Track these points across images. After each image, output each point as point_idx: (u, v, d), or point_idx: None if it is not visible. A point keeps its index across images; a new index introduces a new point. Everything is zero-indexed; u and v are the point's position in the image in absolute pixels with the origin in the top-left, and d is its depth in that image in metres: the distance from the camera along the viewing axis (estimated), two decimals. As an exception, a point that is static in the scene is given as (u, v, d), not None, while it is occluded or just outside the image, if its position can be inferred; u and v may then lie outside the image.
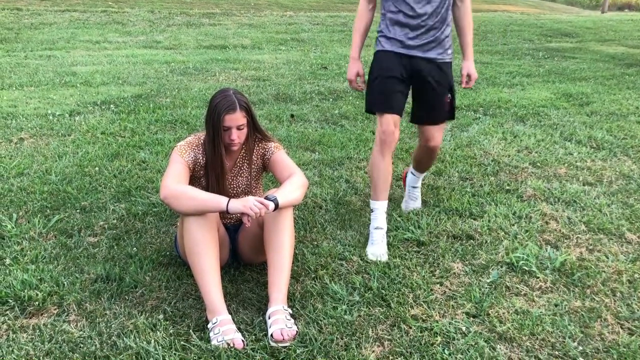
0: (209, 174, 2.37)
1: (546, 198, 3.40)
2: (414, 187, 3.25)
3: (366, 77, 2.89)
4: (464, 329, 2.14)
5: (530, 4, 25.16)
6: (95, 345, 2.01)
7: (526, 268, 2.57)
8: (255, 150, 2.47)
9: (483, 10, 21.57)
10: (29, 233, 2.85)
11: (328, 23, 14.50)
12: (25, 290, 2.30)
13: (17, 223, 2.96)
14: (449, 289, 2.41)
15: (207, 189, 2.35)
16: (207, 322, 2.12)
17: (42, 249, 2.69)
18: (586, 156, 4.19)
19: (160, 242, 2.81)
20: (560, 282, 2.48)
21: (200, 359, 1.94)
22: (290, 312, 2.15)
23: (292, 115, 5.32)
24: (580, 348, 2.05)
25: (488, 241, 2.84)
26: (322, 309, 2.23)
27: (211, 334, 2.04)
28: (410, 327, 2.14)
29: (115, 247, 2.75)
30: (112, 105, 5.54)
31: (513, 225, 3.03)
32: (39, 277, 2.41)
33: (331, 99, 6.13)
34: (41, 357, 1.95)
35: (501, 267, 2.60)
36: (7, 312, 2.20)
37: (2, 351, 1.97)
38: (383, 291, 2.38)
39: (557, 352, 2.02)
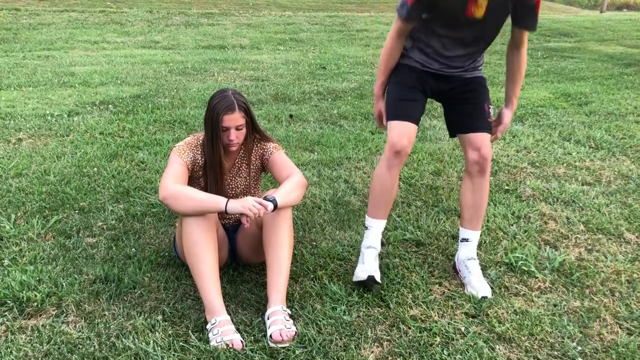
0: (208, 174, 2.37)
1: (545, 198, 3.40)
2: (470, 260, 2.48)
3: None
4: (463, 329, 2.14)
5: (529, 3, 25.09)
6: (94, 346, 2.01)
7: (525, 268, 2.57)
8: (254, 151, 2.47)
9: (482, 10, 21.44)
10: (27, 234, 2.84)
11: (327, 23, 14.49)
12: (24, 291, 2.29)
13: (16, 224, 2.95)
14: (448, 289, 2.41)
15: (205, 189, 2.35)
16: (206, 322, 2.12)
17: (41, 249, 2.69)
18: (585, 156, 4.19)
19: (159, 243, 2.80)
20: (559, 282, 2.48)
21: (199, 359, 1.94)
22: (289, 312, 2.15)
23: (290, 116, 5.32)
24: (579, 348, 2.05)
25: (487, 241, 2.84)
26: (321, 310, 2.23)
27: (210, 335, 2.04)
28: (409, 328, 2.14)
29: (114, 248, 2.74)
30: (110, 106, 5.53)
31: (512, 225, 3.03)
32: (37, 278, 2.41)
33: (330, 99, 6.13)
34: (40, 358, 1.95)
35: (500, 267, 2.60)
36: (6, 313, 2.20)
37: (0, 352, 1.97)
38: (382, 291, 2.37)
39: (556, 352, 2.02)
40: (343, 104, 5.82)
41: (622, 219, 3.12)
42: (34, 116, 5.06)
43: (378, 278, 2.36)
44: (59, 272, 2.49)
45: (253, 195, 2.53)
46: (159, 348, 1.99)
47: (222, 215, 2.45)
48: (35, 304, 2.24)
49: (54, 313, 2.21)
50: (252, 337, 2.07)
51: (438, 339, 2.07)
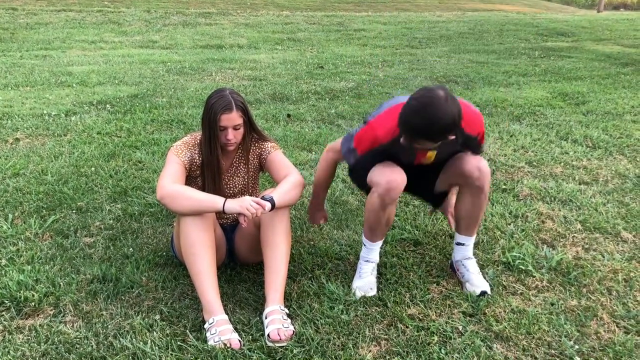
0: (205, 174, 2.37)
1: (542, 197, 3.41)
2: (467, 259, 2.48)
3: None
4: (460, 328, 2.14)
5: (526, 3, 25.21)
6: (92, 346, 2.01)
7: (522, 267, 2.57)
8: (252, 150, 2.47)
9: (479, 9, 21.61)
10: (24, 234, 2.84)
11: (324, 23, 14.49)
12: (21, 291, 2.29)
13: (13, 224, 2.95)
14: (446, 289, 2.42)
15: (203, 189, 2.35)
16: (203, 322, 2.12)
17: (38, 249, 2.69)
18: (582, 155, 4.20)
19: (157, 243, 2.80)
20: (557, 281, 2.49)
21: (197, 359, 1.94)
22: (287, 312, 2.15)
23: (288, 115, 5.32)
24: (577, 347, 2.05)
25: (484, 240, 2.85)
26: (319, 309, 2.23)
27: (208, 334, 2.04)
28: (407, 327, 2.14)
29: (112, 248, 2.74)
30: (108, 105, 5.52)
31: (509, 224, 3.04)
32: (35, 278, 2.41)
33: (328, 99, 6.13)
34: (37, 358, 1.95)
35: (497, 266, 2.61)
36: (3, 313, 2.19)
37: (-2, 352, 1.97)
38: (380, 291, 2.38)
39: (553, 351, 2.03)
40: (341, 104, 5.82)
41: (619, 218, 3.12)
42: (32, 116, 5.05)
43: (374, 293, 2.36)
44: (56, 272, 2.48)
45: (251, 195, 2.53)
46: (157, 348, 1.98)
47: (220, 214, 2.45)
48: (33, 303, 2.24)
49: (51, 313, 2.21)
50: (250, 337, 2.07)
51: (436, 337, 2.08)
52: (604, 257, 2.70)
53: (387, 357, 1.99)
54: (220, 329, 2.03)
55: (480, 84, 7.11)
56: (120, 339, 2.03)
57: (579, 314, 2.24)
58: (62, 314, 2.20)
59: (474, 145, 2.28)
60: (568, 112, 5.59)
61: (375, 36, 13.07)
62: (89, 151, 4.10)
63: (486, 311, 2.24)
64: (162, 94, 6.14)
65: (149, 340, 2.02)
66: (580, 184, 3.65)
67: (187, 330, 2.10)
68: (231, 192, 2.49)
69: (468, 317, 2.21)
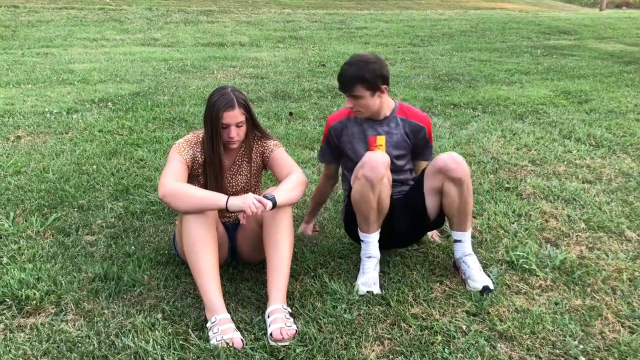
0: (208, 172, 2.35)
1: (546, 196, 3.39)
2: (467, 255, 2.47)
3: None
4: (464, 327, 2.13)
5: (529, 1, 25.16)
6: (93, 345, 2.00)
7: (526, 266, 2.56)
8: (254, 149, 2.46)
9: (481, 7, 21.57)
10: (26, 232, 2.83)
11: (326, 20, 14.47)
12: (23, 290, 2.28)
13: (14, 222, 2.94)
14: (449, 288, 2.40)
15: (205, 187, 2.34)
16: (206, 321, 2.10)
17: (40, 247, 2.68)
18: (585, 154, 4.18)
19: (159, 241, 2.79)
20: (561, 280, 2.47)
21: (199, 358, 1.92)
22: (290, 311, 2.14)
23: (290, 113, 5.31)
24: (581, 347, 2.04)
25: (488, 239, 2.83)
26: (322, 308, 2.22)
27: (210, 333, 2.03)
28: (410, 326, 2.13)
29: (113, 246, 2.73)
30: (109, 103, 5.52)
31: (513, 223, 3.02)
32: (36, 276, 2.40)
33: (330, 97, 6.12)
34: (39, 357, 1.94)
35: (501, 265, 2.59)
36: (5, 311, 2.18)
37: (-1, 351, 1.96)
38: (383, 289, 2.36)
39: (557, 351, 2.01)
40: (343, 102, 5.80)
41: (623, 217, 3.11)
42: (33, 114, 5.04)
43: (377, 291, 2.34)
44: (58, 270, 2.47)
45: (254, 193, 2.52)
46: (159, 347, 1.97)
47: (222, 213, 2.43)
48: (34, 302, 2.23)
49: (53, 311, 2.20)
50: (253, 336, 2.05)
51: (439, 337, 2.06)
52: (608, 256, 2.69)
53: (391, 356, 1.97)
54: (223, 328, 2.02)
55: (482, 82, 7.09)
56: (122, 338, 2.02)
57: (584, 313, 2.23)
58: (63, 313, 2.19)
59: (422, 138, 2.59)
60: (571, 111, 5.57)
61: (377, 34, 13.05)
62: (91, 149, 4.09)
63: (490, 310, 2.23)
64: (164, 91, 6.13)
65: (151, 339, 2.01)
66: (583, 182, 3.63)
67: (189, 329, 2.09)
68: (233, 190, 2.47)
69: (472, 317, 2.20)
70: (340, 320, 2.14)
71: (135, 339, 2.01)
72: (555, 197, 3.37)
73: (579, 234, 2.91)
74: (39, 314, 2.18)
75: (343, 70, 2.46)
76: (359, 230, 2.45)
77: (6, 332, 2.06)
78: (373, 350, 1.99)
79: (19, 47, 9.09)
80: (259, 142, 2.46)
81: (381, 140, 2.53)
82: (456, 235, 2.48)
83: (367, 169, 2.24)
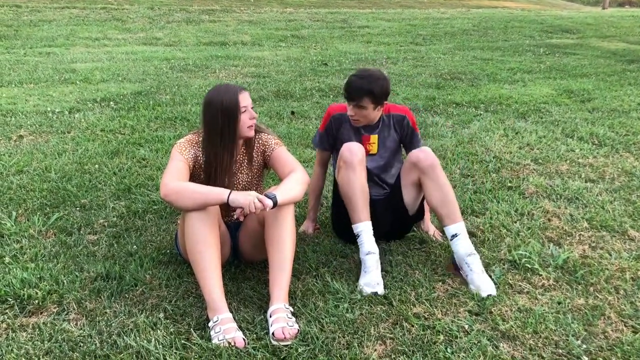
0: (213, 170, 2.35)
1: (548, 195, 3.38)
2: (470, 255, 2.41)
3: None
4: (466, 327, 2.12)
5: (531, 0, 25.11)
6: (95, 344, 2.00)
7: (529, 266, 2.55)
8: (255, 147, 2.46)
9: (484, 6, 21.54)
10: (28, 231, 2.83)
11: (328, 19, 14.46)
12: (25, 289, 2.28)
13: (17, 221, 2.94)
14: (451, 287, 2.40)
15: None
16: (207, 320, 2.10)
17: (42, 247, 2.68)
18: (588, 153, 4.17)
19: (161, 240, 2.79)
20: (563, 279, 2.47)
21: (201, 357, 1.92)
22: (292, 310, 2.14)
23: (292, 112, 5.30)
24: (584, 346, 2.03)
25: (490, 239, 2.83)
26: (324, 307, 2.22)
27: (212, 333, 2.03)
28: (413, 326, 2.12)
29: (115, 245, 2.73)
30: (111, 102, 5.52)
31: (515, 222, 3.01)
32: (38, 276, 2.40)
33: (332, 96, 6.11)
34: (41, 356, 1.94)
35: (504, 264, 2.58)
36: (7, 310, 2.18)
37: (1, 350, 1.96)
38: (385, 289, 2.36)
39: (560, 351, 2.01)
40: (344, 101, 5.80)
41: (626, 216, 3.10)
42: (35, 113, 5.05)
43: (381, 291, 2.33)
44: (60, 270, 2.47)
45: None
46: (161, 346, 1.97)
47: (225, 212, 2.43)
48: (36, 301, 2.23)
49: (55, 311, 2.20)
50: (255, 335, 2.05)
51: (441, 336, 2.06)
52: (611, 255, 2.68)
53: (393, 356, 1.97)
54: (225, 327, 2.01)
55: (484, 81, 7.08)
56: (124, 337, 2.02)
57: (586, 313, 2.22)
58: (65, 312, 2.19)
59: (407, 126, 2.75)
60: (573, 110, 5.56)
61: (379, 33, 13.04)
62: (93, 148, 4.09)
63: (492, 310, 2.22)
64: (166, 91, 6.13)
65: (153, 339, 2.01)
66: (586, 181, 3.62)
67: (191, 329, 2.09)
68: (235, 189, 2.47)
69: (474, 316, 2.20)
70: (342, 319, 2.14)
71: (137, 338, 2.01)
72: (558, 196, 3.37)
73: (581, 233, 2.91)
74: (41, 313, 2.18)
75: (352, 82, 2.60)
76: (352, 224, 2.49)
77: (8, 332, 2.06)
78: (375, 350, 1.99)
79: (21, 46, 9.10)
80: (260, 141, 2.46)
81: (374, 138, 2.74)
82: (450, 229, 2.45)
83: (346, 154, 2.48)
